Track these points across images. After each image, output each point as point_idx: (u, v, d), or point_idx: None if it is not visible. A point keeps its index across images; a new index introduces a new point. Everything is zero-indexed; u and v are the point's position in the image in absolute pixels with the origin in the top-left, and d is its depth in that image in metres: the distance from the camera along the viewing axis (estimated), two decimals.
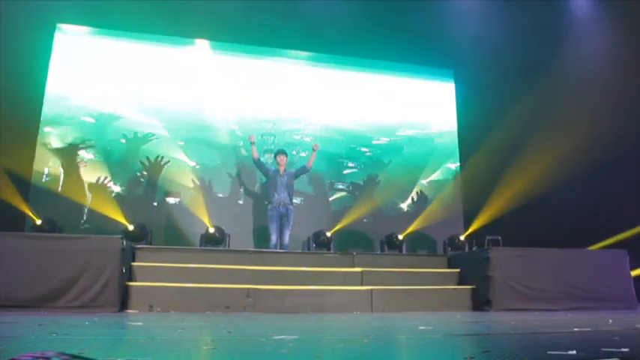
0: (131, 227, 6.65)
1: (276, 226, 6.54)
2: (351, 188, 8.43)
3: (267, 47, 8.42)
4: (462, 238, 7.75)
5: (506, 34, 8.23)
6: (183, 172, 7.74)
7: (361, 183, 8.48)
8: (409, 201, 8.59)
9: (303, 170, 6.99)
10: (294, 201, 6.94)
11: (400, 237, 7.64)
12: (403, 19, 8.20)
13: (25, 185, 6.88)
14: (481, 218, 8.02)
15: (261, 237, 7.36)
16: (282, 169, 6.77)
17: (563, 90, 7.86)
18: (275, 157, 6.91)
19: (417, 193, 8.66)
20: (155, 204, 7.56)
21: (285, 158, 6.83)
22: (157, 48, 8.15)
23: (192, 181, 7.68)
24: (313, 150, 6.93)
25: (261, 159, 7.03)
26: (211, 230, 6.96)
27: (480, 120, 8.40)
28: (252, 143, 6.80)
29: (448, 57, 8.83)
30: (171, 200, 7.56)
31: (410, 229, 8.00)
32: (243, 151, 8.05)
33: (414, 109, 9.02)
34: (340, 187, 8.40)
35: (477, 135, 8.42)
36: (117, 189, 7.42)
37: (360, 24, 8.19)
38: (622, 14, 7.90)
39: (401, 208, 8.57)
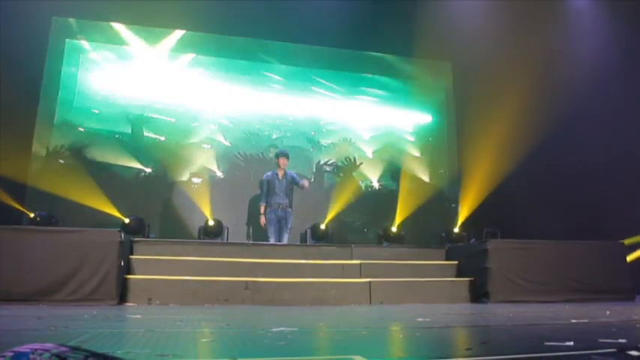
0: (127, 220, 6.64)
1: (274, 229, 6.57)
2: (335, 170, 8.50)
3: (266, 43, 8.34)
4: (456, 230, 7.76)
5: (504, 29, 8.16)
6: (183, 167, 7.73)
7: (345, 164, 8.53)
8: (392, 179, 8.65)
9: (296, 184, 6.87)
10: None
11: (394, 229, 7.64)
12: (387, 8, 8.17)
13: (21, 185, 6.82)
14: (475, 205, 7.95)
15: (259, 231, 7.35)
16: (281, 172, 6.73)
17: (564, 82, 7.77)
18: (277, 157, 6.85)
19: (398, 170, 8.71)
20: (154, 196, 7.54)
21: (286, 162, 6.77)
22: (156, 48, 8.08)
23: (193, 174, 7.68)
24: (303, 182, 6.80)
25: (263, 196, 6.80)
26: (210, 223, 6.95)
27: (478, 110, 8.34)
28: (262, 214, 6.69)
29: (445, 50, 8.74)
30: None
31: (402, 217, 7.95)
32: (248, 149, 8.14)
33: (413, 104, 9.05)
34: (327, 169, 8.51)
35: (474, 127, 8.38)
36: (115, 182, 7.39)
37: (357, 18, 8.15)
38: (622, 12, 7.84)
39: (390, 190, 8.58)
